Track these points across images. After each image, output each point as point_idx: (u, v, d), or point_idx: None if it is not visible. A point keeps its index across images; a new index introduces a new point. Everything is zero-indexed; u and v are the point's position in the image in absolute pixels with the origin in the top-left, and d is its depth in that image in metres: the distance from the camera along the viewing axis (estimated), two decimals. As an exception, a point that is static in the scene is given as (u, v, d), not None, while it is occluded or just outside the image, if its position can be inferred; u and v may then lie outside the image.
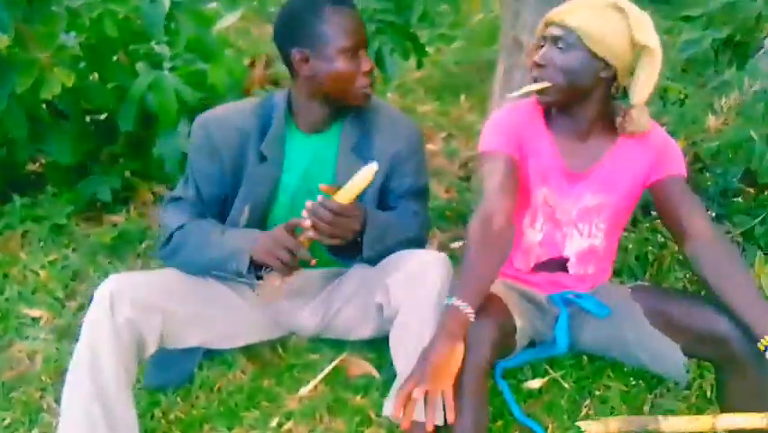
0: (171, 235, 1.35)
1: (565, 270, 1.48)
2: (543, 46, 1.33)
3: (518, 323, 1.37)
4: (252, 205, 1.37)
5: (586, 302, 1.44)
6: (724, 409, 1.29)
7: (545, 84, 1.31)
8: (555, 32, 1.28)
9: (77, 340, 1.24)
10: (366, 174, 1.25)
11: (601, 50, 1.26)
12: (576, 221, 1.43)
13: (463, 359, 1.15)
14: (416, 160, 1.45)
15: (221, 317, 1.42)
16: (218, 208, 1.41)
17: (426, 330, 1.20)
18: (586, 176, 1.40)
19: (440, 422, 1.13)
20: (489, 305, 1.24)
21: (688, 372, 1.36)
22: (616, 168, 1.40)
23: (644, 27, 1.26)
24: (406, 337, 1.24)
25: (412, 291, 1.25)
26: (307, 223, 1.24)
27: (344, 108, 1.38)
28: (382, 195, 1.44)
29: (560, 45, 1.28)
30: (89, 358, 1.20)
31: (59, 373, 1.55)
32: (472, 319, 1.15)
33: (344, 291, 1.46)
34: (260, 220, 1.40)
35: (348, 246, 1.31)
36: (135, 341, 1.24)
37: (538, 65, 1.31)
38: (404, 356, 1.23)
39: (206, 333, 1.41)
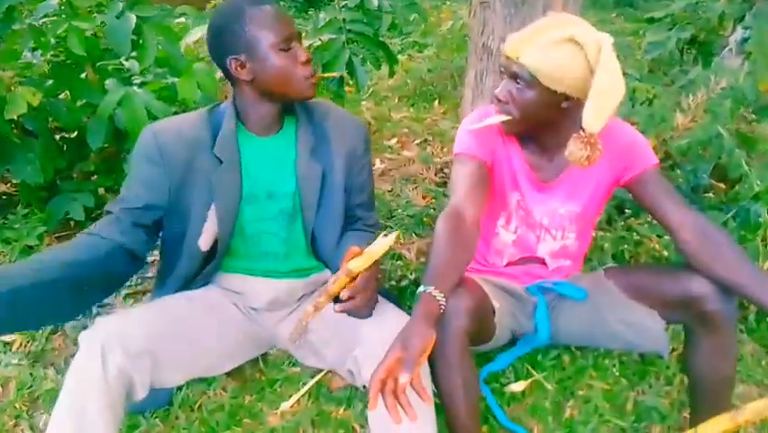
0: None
1: (540, 263, 1.50)
2: (503, 74, 1.30)
3: (496, 304, 1.37)
4: (221, 209, 1.34)
5: (563, 288, 1.46)
6: (689, 371, 1.36)
7: (506, 117, 1.29)
8: (512, 68, 1.25)
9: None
10: (383, 243, 1.21)
11: (559, 87, 1.21)
12: (548, 227, 1.45)
13: (442, 328, 1.14)
14: (367, 156, 1.50)
15: (209, 348, 1.39)
16: (149, 219, 1.34)
17: None
18: (553, 187, 1.41)
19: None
20: (463, 283, 1.23)
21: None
22: (581, 177, 1.40)
23: (603, 57, 1.16)
24: None
25: None
26: None
27: (292, 105, 1.38)
28: (346, 192, 1.46)
29: (518, 82, 1.25)
30: (76, 409, 1.13)
31: (34, 400, 1.51)
32: (443, 311, 1.10)
33: (322, 335, 1.43)
34: (230, 224, 1.38)
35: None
36: (125, 388, 1.20)
37: (499, 100, 1.29)
38: None
39: (193, 368, 1.38)
